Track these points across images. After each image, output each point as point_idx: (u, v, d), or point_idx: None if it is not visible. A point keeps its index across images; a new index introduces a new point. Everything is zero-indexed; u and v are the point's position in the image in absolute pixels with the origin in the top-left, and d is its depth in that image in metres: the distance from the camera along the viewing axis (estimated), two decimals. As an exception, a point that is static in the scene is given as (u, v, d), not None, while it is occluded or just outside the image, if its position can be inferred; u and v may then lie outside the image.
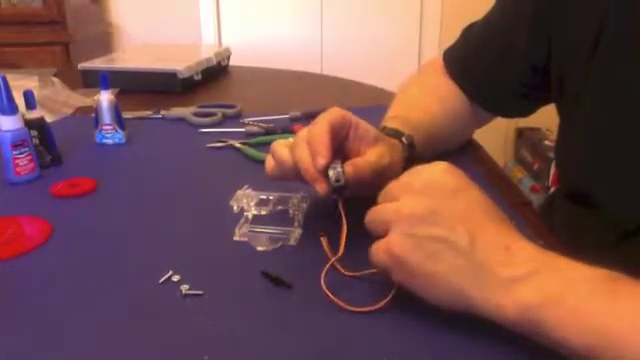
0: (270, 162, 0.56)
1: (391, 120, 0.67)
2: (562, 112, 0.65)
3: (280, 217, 0.56)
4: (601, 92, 0.56)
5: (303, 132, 0.53)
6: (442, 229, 0.41)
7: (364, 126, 0.55)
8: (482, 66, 0.74)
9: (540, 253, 0.40)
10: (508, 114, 0.79)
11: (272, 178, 0.56)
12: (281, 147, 0.55)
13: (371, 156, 0.54)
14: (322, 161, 0.49)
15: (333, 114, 0.53)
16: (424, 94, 0.77)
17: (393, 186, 0.45)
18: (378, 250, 0.43)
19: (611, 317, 0.36)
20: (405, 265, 0.41)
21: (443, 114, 0.74)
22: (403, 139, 0.62)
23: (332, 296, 0.44)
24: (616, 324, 0.35)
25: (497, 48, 0.71)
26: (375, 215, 0.44)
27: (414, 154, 0.63)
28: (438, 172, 0.44)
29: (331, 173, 0.50)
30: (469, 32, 0.77)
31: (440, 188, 0.43)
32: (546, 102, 0.71)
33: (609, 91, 0.56)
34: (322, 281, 0.45)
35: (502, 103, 0.75)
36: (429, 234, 0.41)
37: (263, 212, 0.57)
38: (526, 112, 0.75)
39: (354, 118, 0.55)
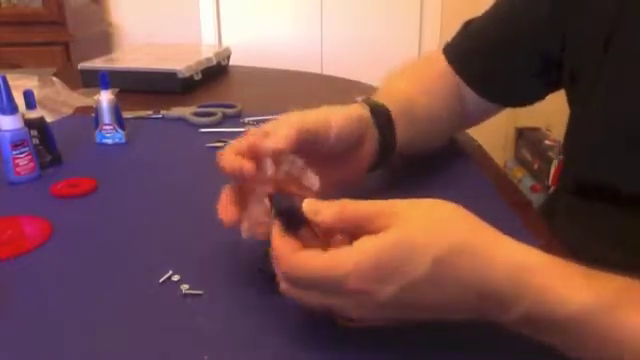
0: None
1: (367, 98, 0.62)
2: (574, 101, 0.64)
3: None
4: (615, 86, 0.56)
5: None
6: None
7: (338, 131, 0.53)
8: (484, 53, 0.72)
9: (517, 280, 0.36)
10: (507, 103, 0.77)
11: None
12: None
13: None
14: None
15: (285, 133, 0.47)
16: (409, 82, 0.73)
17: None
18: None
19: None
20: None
21: (427, 103, 0.70)
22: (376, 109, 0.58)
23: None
24: None
25: (502, 38, 0.70)
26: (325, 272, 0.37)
27: (391, 140, 0.60)
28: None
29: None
30: (469, 25, 0.76)
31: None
32: (548, 92, 0.70)
33: (623, 87, 0.56)
34: None
35: (503, 91, 0.73)
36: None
37: None
38: (526, 102, 0.74)
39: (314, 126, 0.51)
